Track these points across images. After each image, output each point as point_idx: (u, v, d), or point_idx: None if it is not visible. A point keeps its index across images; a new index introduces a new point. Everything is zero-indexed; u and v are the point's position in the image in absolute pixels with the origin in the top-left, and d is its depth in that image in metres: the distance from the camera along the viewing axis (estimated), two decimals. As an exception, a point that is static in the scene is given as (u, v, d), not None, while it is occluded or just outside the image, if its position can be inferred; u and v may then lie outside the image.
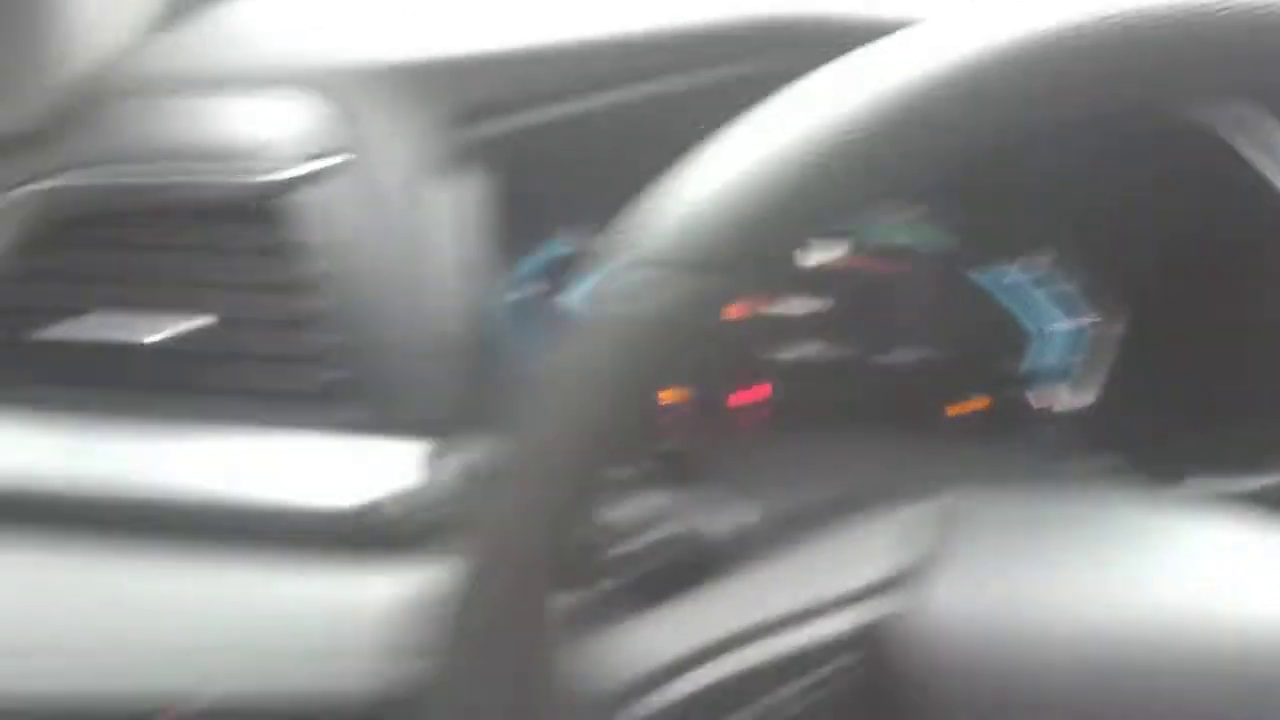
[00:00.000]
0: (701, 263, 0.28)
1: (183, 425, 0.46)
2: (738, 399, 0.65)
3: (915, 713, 0.33)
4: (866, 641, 0.34)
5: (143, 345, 0.45)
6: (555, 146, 0.52)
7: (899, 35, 0.28)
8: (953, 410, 0.66)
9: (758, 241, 0.27)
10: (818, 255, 0.64)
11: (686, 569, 0.36)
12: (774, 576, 0.35)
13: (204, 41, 0.53)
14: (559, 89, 0.52)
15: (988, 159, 0.27)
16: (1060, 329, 0.65)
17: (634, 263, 0.28)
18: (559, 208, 0.59)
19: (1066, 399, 0.66)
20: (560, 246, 0.62)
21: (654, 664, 0.33)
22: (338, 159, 0.48)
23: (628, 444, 0.29)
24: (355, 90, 0.50)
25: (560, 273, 0.62)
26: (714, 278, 0.28)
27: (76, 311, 0.46)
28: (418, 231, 0.49)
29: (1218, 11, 0.25)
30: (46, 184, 0.46)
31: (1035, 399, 0.66)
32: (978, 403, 0.66)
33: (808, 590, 0.34)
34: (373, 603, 0.45)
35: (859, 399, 0.65)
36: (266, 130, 0.48)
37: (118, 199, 0.46)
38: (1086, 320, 0.65)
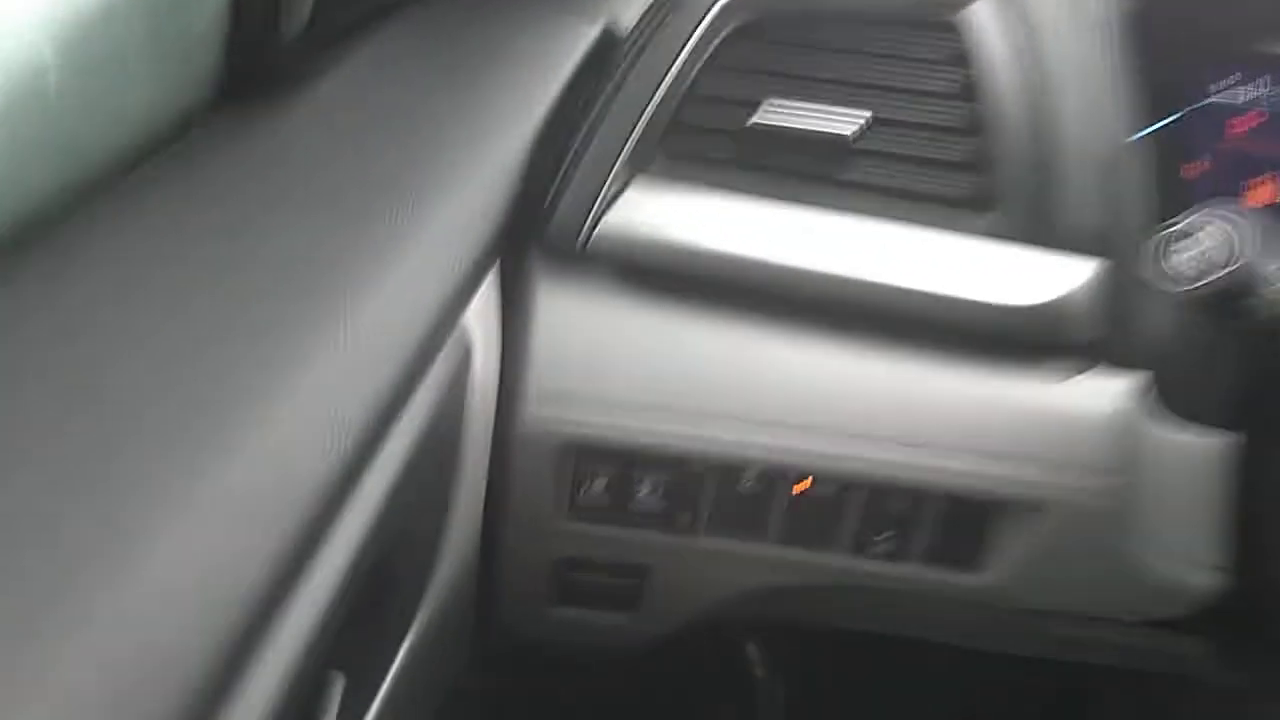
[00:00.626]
0: None
1: (842, 214, 0.50)
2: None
3: None
4: None
5: (828, 136, 0.49)
6: None
7: None
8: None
9: None
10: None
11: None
12: None
13: None
14: None
15: None
16: None
17: None
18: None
19: None
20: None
21: None
22: (996, -17, 0.51)
23: None
24: None
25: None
26: None
27: (757, 104, 0.50)
28: (1065, 60, 0.51)
29: None
30: None
31: None
32: None
33: None
34: (1045, 406, 0.48)
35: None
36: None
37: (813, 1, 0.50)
38: None
